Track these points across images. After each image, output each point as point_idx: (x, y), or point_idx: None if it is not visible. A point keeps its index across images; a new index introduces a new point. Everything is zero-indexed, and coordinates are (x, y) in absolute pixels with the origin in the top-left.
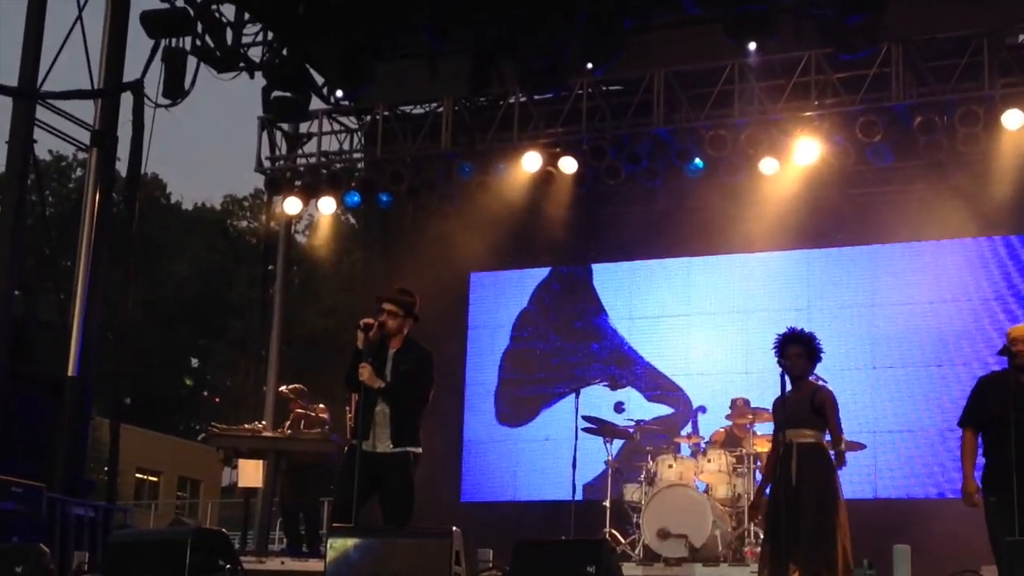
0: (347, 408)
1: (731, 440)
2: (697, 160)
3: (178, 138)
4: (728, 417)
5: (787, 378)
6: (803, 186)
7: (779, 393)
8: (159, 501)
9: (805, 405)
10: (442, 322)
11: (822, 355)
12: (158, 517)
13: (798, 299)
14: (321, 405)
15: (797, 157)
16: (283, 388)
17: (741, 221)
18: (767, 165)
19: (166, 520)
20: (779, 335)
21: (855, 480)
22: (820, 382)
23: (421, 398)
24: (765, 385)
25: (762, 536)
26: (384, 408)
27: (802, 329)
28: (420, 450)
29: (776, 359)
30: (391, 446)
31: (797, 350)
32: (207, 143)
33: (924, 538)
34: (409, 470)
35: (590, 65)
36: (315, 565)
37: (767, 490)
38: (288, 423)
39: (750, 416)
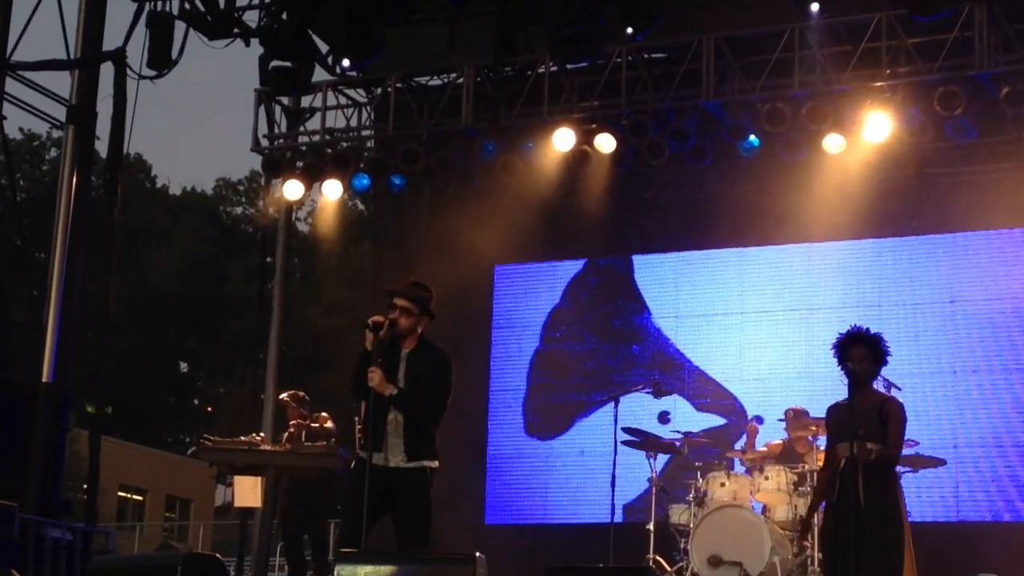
0: (356, 418)
1: (790, 454)
2: (752, 137)
3: (165, 114)
4: (787, 429)
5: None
6: (873, 166)
7: (843, 400)
8: (145, 523)
9: (873, 416)
10: (463, 321)
11: (889, 358)
12: (144, 541)
13: (867, 295)
14: (324, 414)
15: (866, 133)
16: (283, 396)
17: (802, 206)
18: (832, 142)
19: (153, 544)
20: (840, 335)
21: (934, 501)
22: (894, 390)
23: (438, 406)
24: (829, 392)
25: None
26: (397, 417)
27: (867, 328)
28: (437, 464)
29: (837, 362)
30: (405, 459)
31: (861, 352)
32: (197, 120)
33: (1013, 566)
34: (426, 486)
35: (630, 30)
36: None
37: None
38: (286, 435)
39: (813, 427)
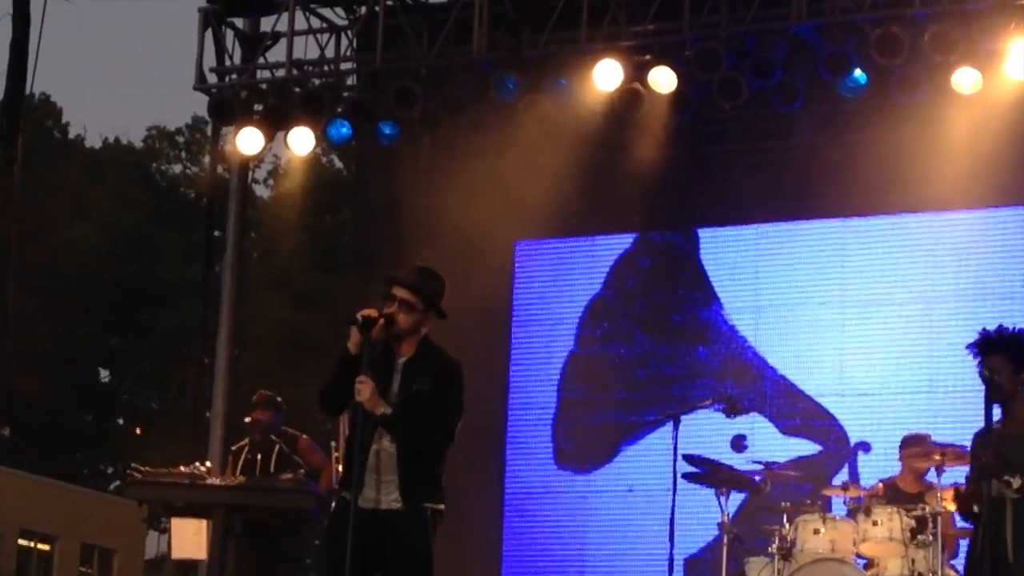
0: (332, 443)
1: (899, 496)
2: (857, 72)
3: (81, 44)
4: (901, 459)
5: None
6: (1018, 111)
7: (983, 423)
8: None
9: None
10: (474, 314)
11: None
12: None
13: (1009, 280)
14: (305, 437)
15: (1011, 67)
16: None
17: (923, 163)
18: (964, 78)
19: None
20: (977, 337)
21: None
22: None
23: (444, 435)
24: (958, 411)
25: None
26: (389, 446)
27: (1006, 328)
28: (443, 507)
29: (977, 371)
30: (400, 501)
31: (999, 361)
32: (123, 50)
33: None
34: (427, 534)
35: None
36: None
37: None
38: (241, 458)
39: (937, 457)
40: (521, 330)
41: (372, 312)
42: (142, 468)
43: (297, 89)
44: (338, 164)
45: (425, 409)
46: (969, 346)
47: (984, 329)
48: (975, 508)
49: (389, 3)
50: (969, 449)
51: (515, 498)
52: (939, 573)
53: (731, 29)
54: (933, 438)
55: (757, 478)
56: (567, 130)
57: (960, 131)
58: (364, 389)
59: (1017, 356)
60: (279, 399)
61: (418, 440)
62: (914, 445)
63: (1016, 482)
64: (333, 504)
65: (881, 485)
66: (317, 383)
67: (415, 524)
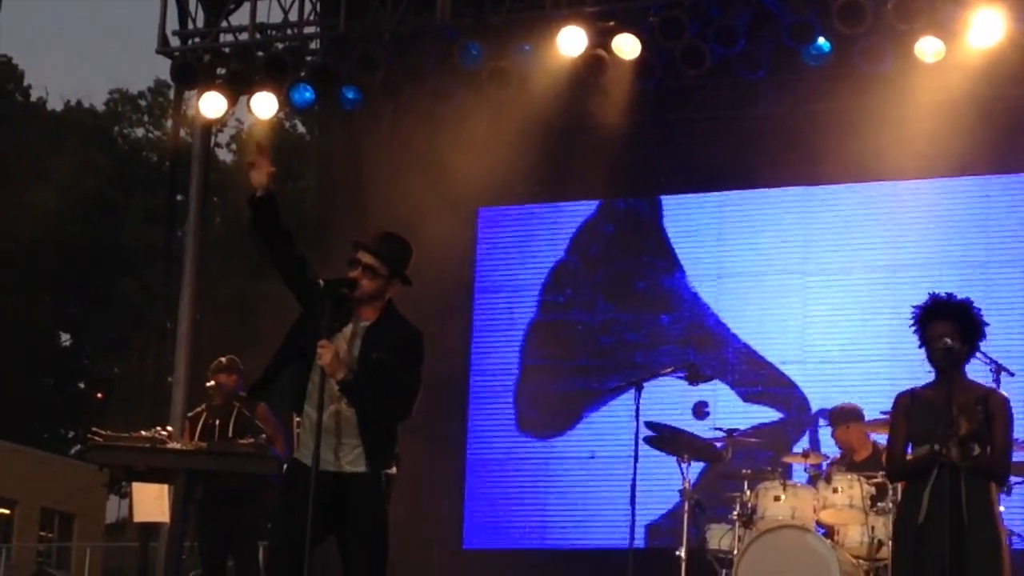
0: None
1: (857, 463)
2: (821, 40)
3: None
4: (833, 437)
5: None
6: (980, 80)
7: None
8: (13, 544)
9: (975, 413)
10: (435, 282)
11: (984, 333)
12: (12, 567)
13: (971, 248)
14: (263, 404)
15: (972, 36)
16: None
17: (886, 133)
18: (927, 47)
19: (24, 572)
20: (916, 307)
21: None
22: (1004, 377)
23: (404, 406)
24: (920, 378)
25: None
26: (348, 409)
27: (950, 295)
28: (395, 470)
29: (919, 342)
30: (360, 464)
31: (945, 328)
32: (85, 12)
33: None
34: (382, 499)
35: None
36: None
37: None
38: (200, 422)
39: (869, 431)
40: (484, 297)
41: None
42: (103, 432)
43: (260, 53)
44: (301, 129)
45: (383, 378)
46: (913, 318)
47: (930, 296)
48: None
49: None
50: (892, 412)
51: (477, 464)
52: None
53: None
54: (862, 410)
55: (719, 445)
56: (531, 96)
57: (923, 100)
58: (325, 353)
59: (964, 324)
60: (241, 365)
61: (376, 409)
62: (841, 423)
63: (976, 450)
64: (286, 466)
65: (838, 457)
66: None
67: (374, 489)
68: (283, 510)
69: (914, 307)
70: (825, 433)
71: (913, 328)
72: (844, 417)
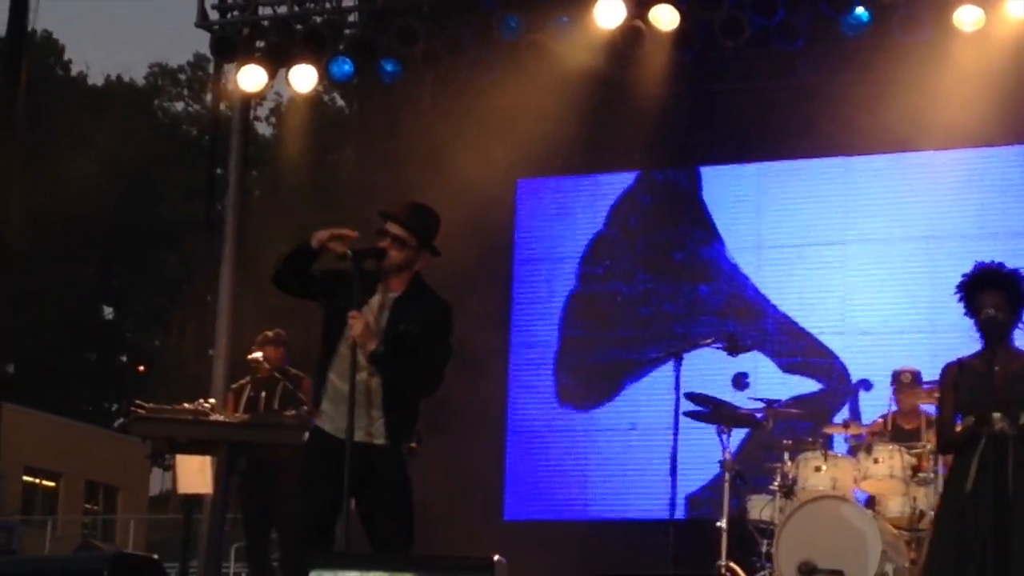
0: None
1: (900, 432)
2: (860, 9)
3: None
4: (895, 399)
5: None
6: (1020, 49)
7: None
8: (59, 516)
9: (1019, 383)
10: (474, 253)
11: None
12: (57, 539)
13: (1011, 219)
14: (308, 379)
15: (1013, 5)
16: (265, 336)
17: (926, 102)
18: (966, 16)
19: (70, 544)
20: (965, 275)
21: None
22: None
23: (433, 380)
24: (959, 349)
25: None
26: (373, 379)
27: (1001, 264)
28: (415, 445)
29: (964, 311)
30: (378, 435)
31: (996, 298)
32: None
33: None
34: (405, 469)
35: None
36: None
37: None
38: (245, 395)
39: (925, 396)
40: (523, 269)
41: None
42: (146, 405)
43: (299, 26)
44: (340, 102)
45: (411, 349)
46: (960, 286)
47: (978, 264)
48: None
49: None
50: (940, 383)
51: (517, 436)
52: None
53: None
54: (921, 375)
55: (759, 416)
56: (569, 68)
57: (962, 69)
58: (356, 324)
59: (1014, 294)
60: (287, 338)
61: (404, 381)
62: (902, 384)
63: (1023, 419)
64: (307, 435)
65: (881, 420)
66: (318, 322)
67: (397, 460)
68: (309, 478)
69: (962, 275)
70: (865, 403)
71: (959, 296)
72: (910, 381)
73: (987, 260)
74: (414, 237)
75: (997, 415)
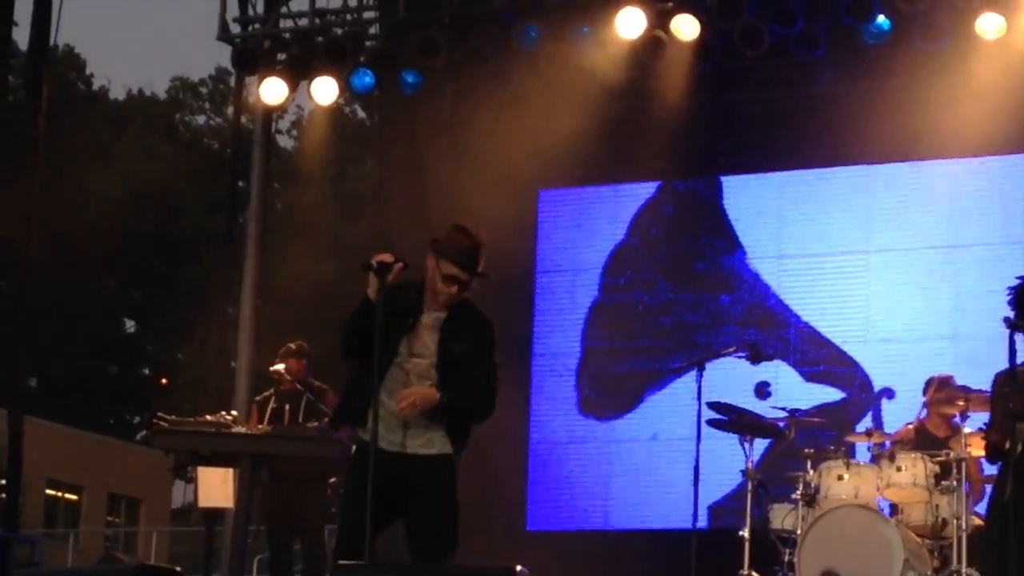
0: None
1: (930, 439)
2: (881, 18)
3: None
4: (925, 405)
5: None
6: None
7: (1006, 366)
8: (81, 529)
9: None
10: (496, 264)
11: None
12: (80, 552)
13: None
14: (332, 392)
15: None
16: (278, 365)
17: (947, 110)
18: (987, 23)
19: (92, 556)
20: (1020, 278)
21: None
22: None
23: (491, 395)
24: (981, 357)
25: None
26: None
27: None
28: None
29: (1010, 316)
30: (429, 444)
31: None
32: (147, 2)
33: None
34: (453, 481)
35: None
36: None
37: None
38: (270, 407)
39: (961, 403)
40: (545, 279)
41: (388, 257)
42: (168, 417)
43: (320, 39)
44: (361, 114)
45: (465, 370)
46: (1011, 292)
47: None
48: (1004, 449)
49: None
50: (990, 392)
51: (539, 447)
52: (963, 519)
53: None
54: (957, 380)
55: (781, 425)
56: (590, 78)
57: (983, 77)
58: (407, 407)
59: None
60: (310, 350)
61: (473, 413)
62: (937, 389)
63: None
64: (355, 448)
65: (911, 427)
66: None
67: (444, 471)
68: (351, 491)
69: (1020, 278)
70: (888, 411)
71: (1010, 300)
72: (947, 386)
73: (1013, 270)
74: (467, 272)
75: (1021, 425)
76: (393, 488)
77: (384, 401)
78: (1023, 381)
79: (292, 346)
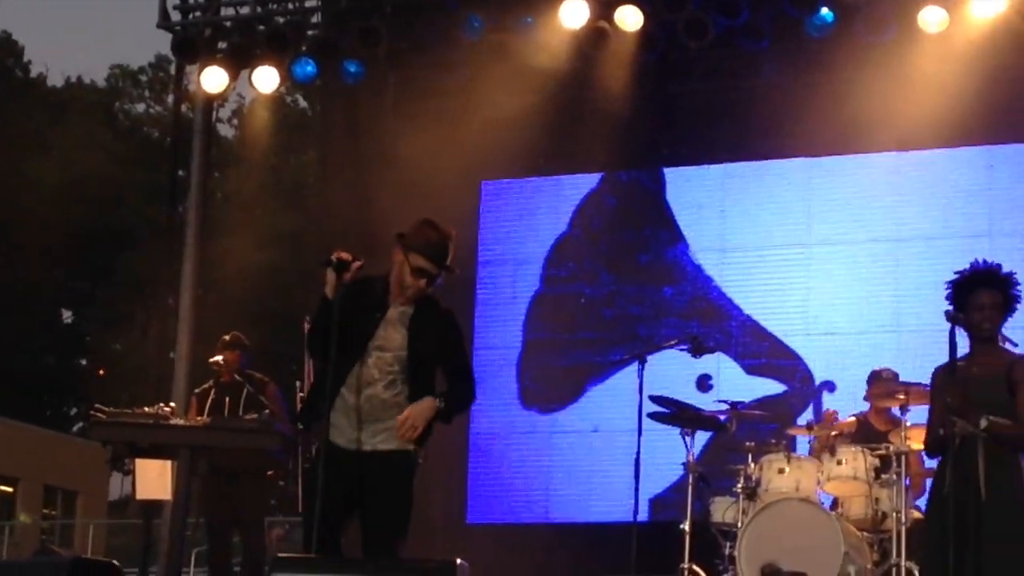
0: (298, 384)
1: (871, 433)
2: (824, 10)
3: None
4: (866, 398)
5: (966, 338)
6: (983, 50)
7: (946, 359)
8: (16, 521)
9: (999, 381)
10: None
11: (1017, 305)
12: (14, 544)
13: (974, 219)
14: (273, 385)
15: (976, 6)
16: (217, 357)
17: (889, 103)
18: (930, 16)
19: (28, 549)
20: (961, 273)
21: None
22: (1008, 345)
23: (471, 386)
24: (923, 350)
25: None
26: (384, 392)
27: (998, 265)
28: (422, 452)
29: (948, 310)
30: (388, 441)
31: (991, 298)
32: None
33: None
34: (408, 477)
35: None
36: None
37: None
38: (209, 400)
39: (901, 396)
40: (486, 271)
41: (346, 255)
42: (106, 409)
43: (261, 27)
44: (303, 103)
45: (441, 365)
46: (953, 284)
47: (976, 263)
48: (942, 445)
49: None
50: (929, 386)
51: (479, 438)
52: (903, 512)
53: None
54: (899, 376)
55: (722, 418)
56: (533, 69)
57: (926, 70)
58: (408, 431)
59: (1006, 295)
60: (247, 341)
61: (465, 400)
62: (878, 383)
63: (984, 422)
64: (314, 448)
65: (854, 419)
66: (287, 325)
67: (399, 467)
68: (310, 489)
69: (956, 272)
70: (829, 404)
71: (948, 294)
72: (890, 379)
73: (954, 263)
74: (436, 266)
75: (957, 419)
76: (351, 485)
77: (346, 396)
78: (962, 375)
79: (226, 337)
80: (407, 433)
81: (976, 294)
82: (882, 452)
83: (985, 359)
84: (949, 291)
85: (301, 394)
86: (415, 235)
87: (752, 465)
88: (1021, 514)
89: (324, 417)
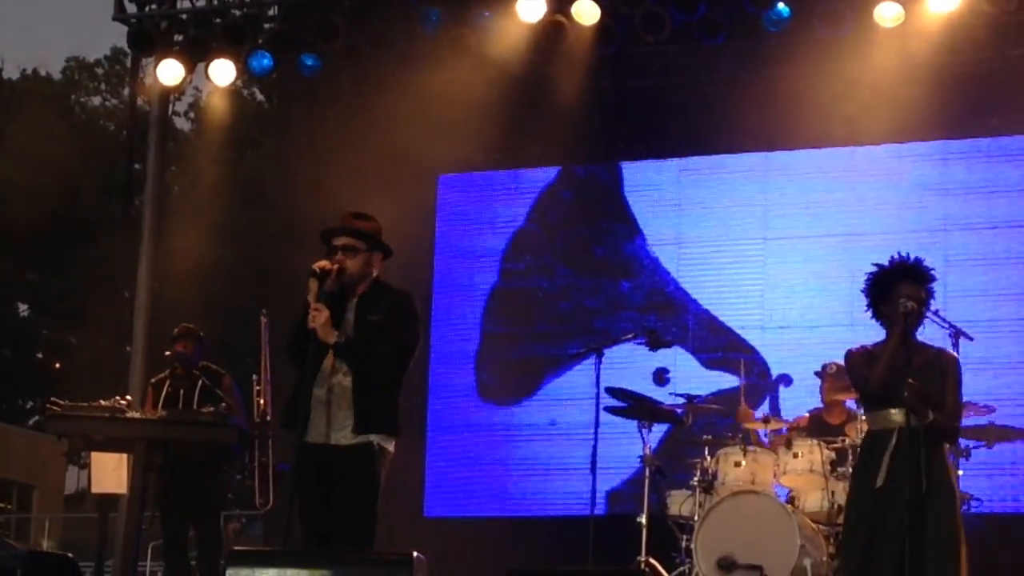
0: (255, 377)
1: (826, 426)
2: (781, 5)
3: None
4: (821, 391)
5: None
6: (939, 46)
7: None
8: None
9: (933, 373)
10: (396, 248)
11: (934, 296)
12: None
13: (929, 214)
14: (229, 377)
15: (932, 1)
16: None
17: (845, 98)
18: (886, 12)
19: None
20: (879, 266)
21: (1014, 485)
22: (962, 340)
23: (399, 357)
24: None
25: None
26: (344, 380)
27: (914, 257)
28: (392, 444)
29: (904, 301)
30: (351, 434)
31: (913, 289)
32: None
33: None
34: (371, 470)
35: None
36: None
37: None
38: (164, 391)
39: (852, 391)
40: (443, 263)
41: (326, 263)
42: (62, 402)
43: (218, 20)
44: (259, 96)
45: (379, 337)
46: (872, 277)
47: (896, 256)
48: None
49: None
50: (853, 362)
51: (437, 431)
52: None
53: None
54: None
55: (679, 411)
56: (491, 63)
57: (882, 65)
58: (319, 316)
59: (927, 285)
60: (200, 332)
61: (371, 365)
62: (827, 379)
63: (931, 415)
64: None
65: (807, 416)
66: (243, 318)
67: (362, 460)
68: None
69: (875, 265)
70: (786, 397)
71: (869, 285)
72: (836, 372)
73: (898, 255)
74: (362, 241)
75: (895, 411)
76: (322, 479)
77: (316, 392)
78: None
79: (176, 330)
80: (315, 319)
81: (901, 286)
82: (838, 445)
83: (918, 350)
84: (866, 287)
85: (257, 387)
86: (332, 226)
87: (709, 458)
88: (956, 506)
89: (305, 418)
